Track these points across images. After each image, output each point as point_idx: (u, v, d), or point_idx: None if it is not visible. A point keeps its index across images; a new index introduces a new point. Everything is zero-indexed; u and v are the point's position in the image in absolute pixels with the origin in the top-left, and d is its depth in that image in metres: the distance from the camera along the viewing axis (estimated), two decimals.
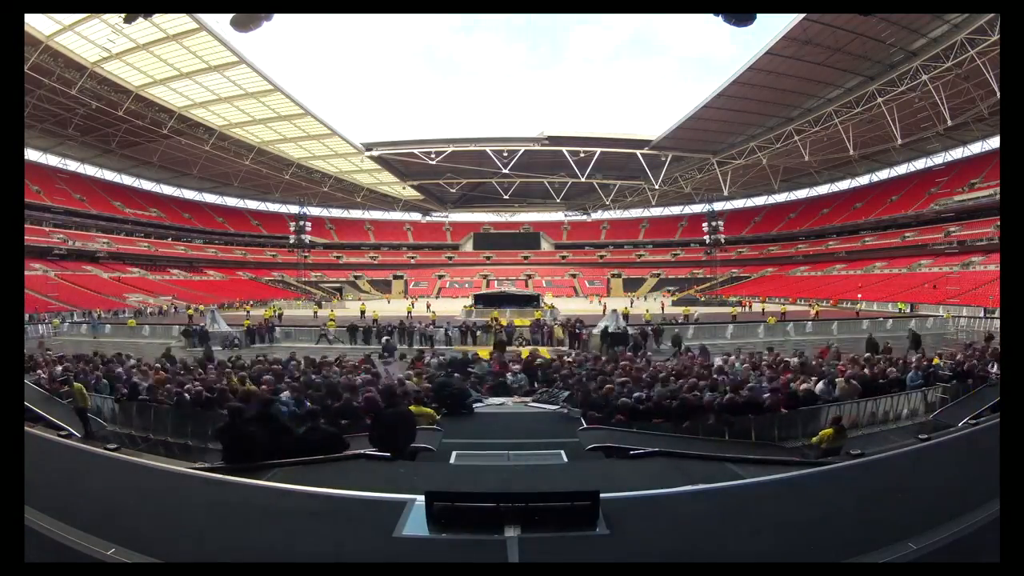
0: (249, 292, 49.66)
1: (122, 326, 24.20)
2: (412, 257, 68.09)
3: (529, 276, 63.89)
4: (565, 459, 3.34)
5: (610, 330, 16.95)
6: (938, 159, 46.53)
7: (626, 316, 20.41)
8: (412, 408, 5.24)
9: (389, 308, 34.43)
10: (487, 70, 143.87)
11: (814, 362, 9.89)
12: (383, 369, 9.89)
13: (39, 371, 9.12)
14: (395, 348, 16.69)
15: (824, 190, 56.83)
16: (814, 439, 5.79)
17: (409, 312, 27.87)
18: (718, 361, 9.92)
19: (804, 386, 7.31)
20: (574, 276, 64.90)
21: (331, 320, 22.44)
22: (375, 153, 46.90)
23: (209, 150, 42.47)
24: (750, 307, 37.05)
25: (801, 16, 25.51)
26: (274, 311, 31.25)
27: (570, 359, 10.63)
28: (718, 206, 62.89)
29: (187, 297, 42.66)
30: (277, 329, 21.31)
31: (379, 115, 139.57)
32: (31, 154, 41.83)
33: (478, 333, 19.80)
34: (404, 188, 57.79)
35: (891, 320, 23.90)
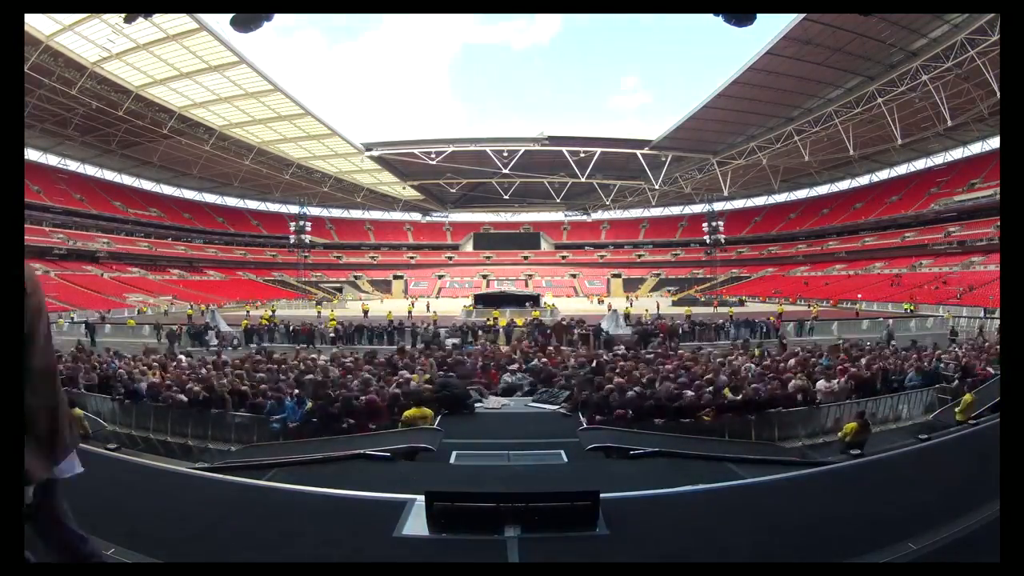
0: (249, 292, 49.65)
1: (122, 326, 24.18)
2: (412, 257, 68.05)
3: (529, 276, 63.84)
4: (565, 459, 3.34)
5: (609, 332, 16.95)
6: (938, 159, 46.45)
7: (627, 316, 20.39)
8: (409, 412, 5.28)
9: (381, 308, 34.31)
10: (487, 69, 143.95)
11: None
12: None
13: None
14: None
15: (824, 190, 56.77)
16: (839, 433, 5.75)
17: (410, 312, 27.87)
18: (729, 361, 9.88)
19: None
20: (574, 276, 64.83)
21: (331, 320, 22.45)
22: (375, 153, 46.85)
23: (209, 150, 42.43)
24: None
25: (801, 16, 25.45)
26: (272, 311, 31.27)
27: (571, 360, 10.62)
28: (718, 206, 62.76)
29: (187, 297, 42.64)
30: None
31: (379, 115, 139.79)
32: (31, 154, 41.77)
33: (479, 333, 19.77)
34: (404, 188, 57.72)
35: (891, 320, 23.85)
